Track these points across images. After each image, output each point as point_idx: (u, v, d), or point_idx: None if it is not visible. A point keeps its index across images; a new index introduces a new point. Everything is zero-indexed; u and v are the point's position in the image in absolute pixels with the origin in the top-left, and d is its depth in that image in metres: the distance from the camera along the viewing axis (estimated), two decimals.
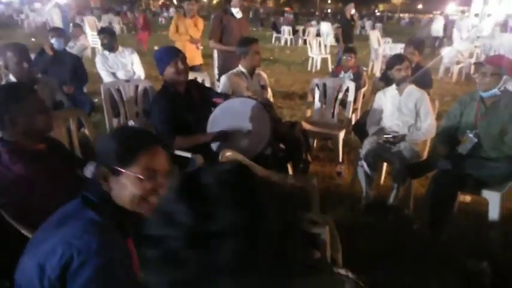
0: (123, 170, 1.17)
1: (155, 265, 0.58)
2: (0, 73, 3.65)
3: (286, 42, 15.12)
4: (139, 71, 4.51)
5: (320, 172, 3.94)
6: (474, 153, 2.81)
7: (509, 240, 2.79)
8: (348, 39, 7.99)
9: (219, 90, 3.57)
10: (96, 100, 4.81)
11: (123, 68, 4.40)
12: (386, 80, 4.00)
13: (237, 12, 4.65)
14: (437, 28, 12.77)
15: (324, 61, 9.89)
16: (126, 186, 1.17)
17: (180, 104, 2.77)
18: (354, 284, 1.91)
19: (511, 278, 2.51)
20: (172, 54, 2.79)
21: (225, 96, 3.09)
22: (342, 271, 1.97)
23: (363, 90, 4.77)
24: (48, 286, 1.07)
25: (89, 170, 1.28)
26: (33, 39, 6.61)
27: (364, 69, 8.59)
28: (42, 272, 1.07)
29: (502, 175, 2.70)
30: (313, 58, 9.85)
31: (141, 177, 1.16)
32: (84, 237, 1.07)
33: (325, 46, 10.77)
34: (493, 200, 2.73)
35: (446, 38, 12.68)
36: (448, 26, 13.08)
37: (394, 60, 3.35)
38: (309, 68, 9.80)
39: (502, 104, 2.77)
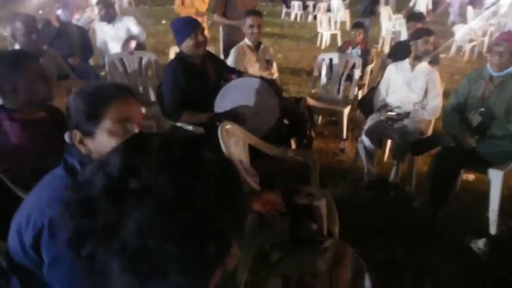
0: (95, 129, 1.13)
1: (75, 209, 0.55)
2: (7, 43, 3.65)
3: (296, 17, 14.85)
4: (137, 31, 4.45)
5: (324, 148, 3.94)
6: (479, 131, 2.78)
7: (510, 218, 2.78)
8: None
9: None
10: (102, 73, 4.81)
11: (119, 41, 4.36)
12: (394, 57, 3.95)
13: None
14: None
15: (334, 37, 9.71)
16: (103, 144, 1.12)
17: (194, 77, 2.73)
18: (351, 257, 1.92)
19: (509, 256, 2.53)
20: (193, 26, 2.70)
21: (238, 72, 3.07)
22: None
23: (370, 66, 4.71)
24: (26, 254, 1.05)
25: (67, 136, 1.27)
26: (40, 12, 6.57)
27: (375, 46, 8.48)
28: (21, 239, 1.05)
29: (506, 153, 2.68)
30: (322, 34, 9.68)
31: (114, 130, 1.13)
32: (56, 206, 1.02)
33: (335, 22, 10.57)
34: (495, 178, 2.71)
35: (461, 15, 12.34)
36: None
37: (423, 32, 3.26)
38: (317, 44, 9.65)
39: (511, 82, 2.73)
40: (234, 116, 2.60)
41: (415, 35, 3.26)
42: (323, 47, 9.46)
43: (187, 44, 2.69)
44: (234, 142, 2.24)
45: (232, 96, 2.71)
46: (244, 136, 2.36)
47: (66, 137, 1.25)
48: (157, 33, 9.00)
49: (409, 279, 2.33)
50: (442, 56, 7.91)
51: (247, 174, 2.01)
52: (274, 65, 3.71)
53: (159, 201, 0.52)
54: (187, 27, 2.70)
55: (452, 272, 2.38)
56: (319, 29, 9.79)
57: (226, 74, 3.01)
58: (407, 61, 3.25)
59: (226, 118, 2.52)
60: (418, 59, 3.18)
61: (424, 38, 3.13)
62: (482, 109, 2.78)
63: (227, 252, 0.59)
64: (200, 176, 0.56)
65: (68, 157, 1.17)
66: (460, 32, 9.04)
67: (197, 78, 2.75)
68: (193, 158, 0.57)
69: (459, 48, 8.94)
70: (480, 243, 2.56)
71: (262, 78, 3.00)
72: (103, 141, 1.13)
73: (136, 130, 1.15)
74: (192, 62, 2.76)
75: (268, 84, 2.86)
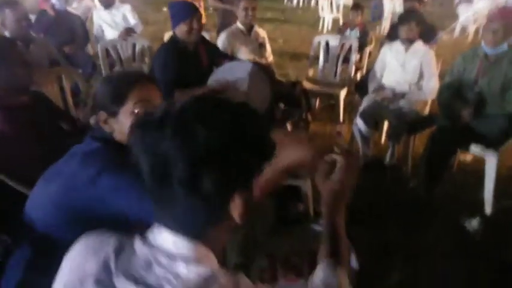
0: (118, 110, 1.25)
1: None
2: None
3: (298, 2, 14.68)
4: (133, 23, 4.44)
5: (321, 132, 3.92)
6: (474, 109, 2.74)
7: (505, 198, 2.76)
8: None
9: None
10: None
11: (116, 27, 4.34)
12: (391, 37, 3.90)
13: None
14: None
15: (336, 21, 9.59)
16: (125, 124, 1.24)
17: (186, 61, 2.71)
18: None
19: (502, 235, 2.51)
20: (189, 12, 2.67)
21: (231, 57, 3.05)
22: None
23: (368, 48, 4.65)
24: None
25: (92, 118, 1.39)
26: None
27: (376, 27, 8.36)
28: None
29: (501, 132, 2.64)
30: (324, 18, 9.57)
31: (136, 111, 1.24)
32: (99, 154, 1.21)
33: (338, 6, 10.42)
34: (490, 158, 2.68)
35: None
36: None
37: (404, 18, 3.22)
38: (319, 29, 9.54)
39: (507, 60, 2.68)
40: (223, 87, 2.56)
41: (401, 19, 3.22)
42: (325, 31, 9.35)
43: (181, 29, 2.67)
44: None
45: (223, 79, 2.70)
46: None
47: (92, 120, 1.31)
48: (157, 22, 8.96)
49: (403, 259, 2.33)
50: (446, 37, 7.82)
51: None
52: (268, 48, 3.67)
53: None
54: (184, 11, 2.67)
55: (445, 250, 2.38)
56: (320, 13, 9.67)
57: (218, 59, 2.99)
58: (400, 42, 3.21)
59: (215, 89, 2.51)
60: (408, 41, 3.13)
61: (407, 24, 3.09)
62: (477, 87, 2.74)
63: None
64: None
65: (91, 133, 1.30)
66: (465, 12, 8.88)
67: (189, 62, 2.73)
68: None
69: (463, 29, 8.79)
70: (474, 223, 2.55)
71: (254, 62, 2.97)
72: (125, 121, 1.25)
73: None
74: (184, 46, 2.74)
75: (260, 68, 2.83)
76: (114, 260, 0.66)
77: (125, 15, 4.42)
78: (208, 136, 0.60)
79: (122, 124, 1.26)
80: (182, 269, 0.63)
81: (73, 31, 4.32)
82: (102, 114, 1.28)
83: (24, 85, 1.79)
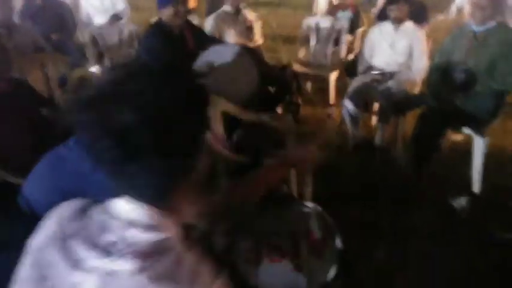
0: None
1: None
2: None
3: None
4: (122, 8, 4.39)
5: (312, 115, 3.91)
6: (462, 89, 2.72)
7: (493, 176, 2.76)
8: None
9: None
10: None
11: (104, 11, 4.30)
12: (381, 17, 3.86)
13: None
14: None
15: (331, 3, 9.50)
16: None
17: (171, 45, 2.70)
18: (319, 216, 1.94)
19: (489, 212, 2.52)
20: None
21: (217, 41, 3.03)
22: (310, 205, 2.00)
23: (360, 30, 4.61)
24: None
25: None
26: None
27: (372, 9, 8.27)
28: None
29: (488, 111, 2.63)
30: (317, 0, 9.47)
31: None
32: None
33: None
34: (477, 136, 2.68)
35: None
36: None
37: None
38: (314, 11, 9.45)
39: (495, 38, 2.64)
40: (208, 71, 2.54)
41: (387, 1, 3.18)
42: (319, 14, 9.26)
43: (167, 12, 2.66)
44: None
45: (208, 62, 2.68)
46: (214, 100, 2.34)
47: None
48: (148, 8, 8.87)
49: (392, 238, 2.35)
50: (441, 18, 7.74)
51: (215, 139, 2.01)
52: (257, 31, 3.64)
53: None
54: None
55: (434, 229, 2.40)
56: None
57: (205, 42, 2.96)
58: (389, 22, 3.17)
59: (200, 73, 2.47)
60: (397, 21, 3.10)
61: (396, 4, 3.06)
62: (467, 66, 2.72)
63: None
64: None
65: None
66: None
67: (175, 46, 2.72)
68: None
69: (459, 9, 8.69)
70: (462, 201, 2.56)
71: (241, 45, 2.94)
72: None
73: None
74: (170, 30, 2.73)
75: (246, 51, 2.81)
76: (71, 221, 0.70)
77: (114, 0, 4.37)
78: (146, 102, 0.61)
79: None
80: (134, 234, 0.64)
81: (61, 18, 4.28)
82: None
83: (2, 71, 1.78)
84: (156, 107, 0.62)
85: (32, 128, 1.78)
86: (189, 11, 2.78)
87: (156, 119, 0.61)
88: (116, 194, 0.69)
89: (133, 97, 0.61)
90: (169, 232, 0.68)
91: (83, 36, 3.98)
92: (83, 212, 0.71)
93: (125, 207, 0.67)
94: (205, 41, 2.98)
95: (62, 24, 4.25)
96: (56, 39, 3.85)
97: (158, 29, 2.73)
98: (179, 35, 2.78)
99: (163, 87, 0.64)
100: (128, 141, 0.60)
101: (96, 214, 0.70)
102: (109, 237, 0.65)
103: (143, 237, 0.64)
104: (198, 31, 3.07)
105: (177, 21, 2.70)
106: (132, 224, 0.65)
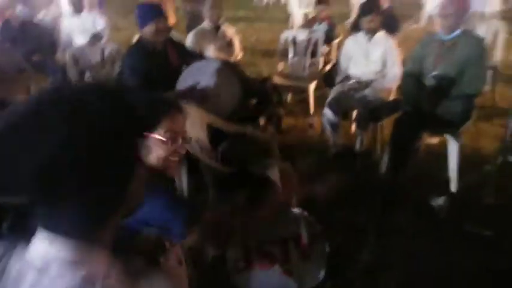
0: (149, 135, 1.29)
1: None
2: None
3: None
4: (101, 26, 4.44)
5: (294, 125, 4.01)
6: (434, 93, 2.85)
7: (467, 177, 2.88)
8: None
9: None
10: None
11: (85, 32, 4.35)
12: (355, 28, 4.01)
13: None
14: None
15: (306, 17, 9.71)
16: (152, 149, 1.30)
17: (154, 62, 2.76)
18: (307, 221, 2.02)
19: (466, 212, 2.63)
20: (155, 11, 2.77)
21: (200, 56, 3.10)
22: (296, 210, 2.08)
23: (336, 41, 4.76)
24: None
25: None
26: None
27: (346, 21, 8.50)
28: None
29: (460, 113, 2.77)
30: (293, 14, 9.68)
31: (164, 139, 1.30)
32: None
33: (307, 1, 10.55)
34: (452, 138, 2.81)
35: None
36: None
37: (365, 10, 3.33)
38: (290, 25, 9.65)
39: (461, 44, 2.79)
40: (190, 92, 2.64)
41: (363, 10, 3.33)
42: (295, 27, 9.46)
43: (149, 29, 2.73)
44: (190, 121, 2.27)
45: (192, 78, 2.75)
46: (201, 115, 2.41)
47: None
48: (126, 27, 8.92)
49: (374, 239, 2.43)
50: (414, 26, 8.01)
51: (203, 151, 2.07)
52: (237, 46, 3.74)
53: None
54: (151, 12, 2.76)
55: (415, 229, 2.49)
56: (290, 9, 9.79)
57: (187, 58, 3.04)
58: (363, 33, 3.31)
59: (183, 95, 2.57)
60: (371, 31, 3.24)
61: (366, 18, 3.20)
62: (437, 72, 2.86)
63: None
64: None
65: None
66: (430, 1, 9.10)
67: (158, 63, 2.78)
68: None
69: (430, 18, 9.01)
70: (440, 201, 2.67)
71: (222, 60, 3.03)
72: (153, 146, 1.31)
73: (181, 141, 1.36)
74: (152, 47, 2.79)
75: (227, 65, 2.89)
76: None
77: (94, 20, 4.43)
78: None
79: (149, 149, 1.30)
80: (47, 284, 0.58)
81: (40, 39, 4.30)
82: None
83: None
84: (74, 140, 0.56)
85: None
86: (169, 28, 2.85)
87: (77, 153, 0.56)
88: (35, 230, 0.62)
89: (47, 131, 0.56)
90: (93, 266, 0.61)
91: (63, 56, 4.02)
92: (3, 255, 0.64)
93: (42, 247, 0.60)
94: (188, 56, 3.06)
95: (42, 45, 4.28)
96: (36, 60, 3.87)
97: (140, 47, 2.79)
98: (162, 51, 2.85)
99: (87, 115, 0.58)
100: (46, 179, 0.55)
101: (13, 262, 0.62)
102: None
103: (58, 284, 0.58)
104: (180, 47, 3.15)
105: (159, 38, 2.77)
106: (46, 270, 0.58)
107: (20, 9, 4.38)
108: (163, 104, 1.38)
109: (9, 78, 2.39)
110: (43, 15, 5.97)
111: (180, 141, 1.35)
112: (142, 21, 2.76)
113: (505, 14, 7.75)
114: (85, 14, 4.45)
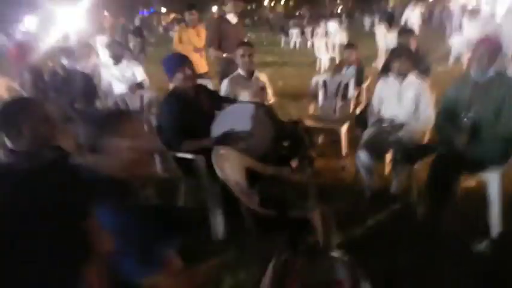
0: (111, 145, 1.36)
1: None
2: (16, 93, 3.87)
3: (295, 45, 15.24)
4: (141, 75, 4.68)
5: (326, 167, 4.02)
6: (470, 135, 2.83)
7: (509, 222, 2.79)
8: None
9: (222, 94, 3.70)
10: None
11: (125, 81, 4.57)
12: (385, 72, 4.08)
13: (232, 18, 4.81)
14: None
15: (332, 61, 9.93)
16: (115, 159, 1.37)
17: (188, 108, 2.90)
18: (348, 264, 2.00)
19: (510, 259, 2.53)
20: (181, 60, 2.97)
21: (231, 100, 3.23)
22: (337, 253, 2.06)
23: (365, 84, 4.83)
24: None
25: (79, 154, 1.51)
26: (49, 62, 6.97)
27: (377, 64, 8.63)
28: None
29: (498, 155, 2.72)
30: (320, 58, 9.92)
31: (125, 145, 1.37)
32: None
33: (333, 45, 10.82)
34: (491, 181, 2.75)
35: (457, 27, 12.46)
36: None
37: (394, 54, 3.42)
38: (317, 68, 9.86)
39: (495, 85, 2.80)
40: (228, 137, 2.73)
41: (393, 54, 3.40)
42: (322, 70, 9.66)
43: (177, 77, 2.91)
44: (230, 165, 2.34)
45: (226, 121, 2.85)
46: (239, 158, 2.47)
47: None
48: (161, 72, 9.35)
49: (414, 286, 2.35)
50: (440, 67, 8.04)
51: (243, 194, 2.11)
52: (269, 91, 3.85)
53: None
54: (176, 62, 2.95)
55: (457, 277, 2.41)
56: (317, 54, 10.04)
57: (220, 103, 3.17)
58: (394, 76, 3.37)
59: (221, 140, 2.66)
60: (402, 74, 3.29)
61: (395, 61, 3.27)
62: (471, 113, 2.85)
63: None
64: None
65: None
66: (456, 43, 9.18)
67: (191, 109, 2.93)
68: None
69: (457, 59, 9.05)
70: (482, 246, 2.58)
71: (254, 103, 3.13)
72: (114, 152, 1.38)
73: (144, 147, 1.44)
74: (184, 94, 2.95)
75: (260, 107, 2.98)
76: None
77: (134, 70, 4.68)
78: None
79: (109, 157, 1.37)
80: None
81: (82, 88, 4.55)
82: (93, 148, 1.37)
83: (48, 141, 1.93)
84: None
85: None
86: (197, 74, 3.03)
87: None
88: None
89: None
90: None
91: (104, 103, 4.24)
92: None
93: None
94: (220, 101, 3.18)
95: (84, 93, 4.51)
96: (79, 108, 4.08)
97: (173, 96, 2.97)
98: (194, 98, 3.00)
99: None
100: None
101: None
102: None
103: None
104: (211, 92, 3.29)
105: (188, 84, 2.93)
106: None
107: (64, 61, 4.66)
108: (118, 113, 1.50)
109: (57, 127, 2.52)
110: (83, 66, 6.35)
111: (142, 147, 1.41)
112: (170, 72, 2.95)
113: None
114: (124, 63, 4.70)
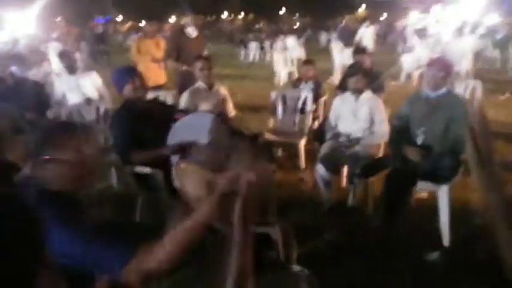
0: (54, 158, 1.31)
1: None
2: None
3: (254, 58, 15.39)
4: (92, 94, 4.54)
5: (285, 180, 4.05)
6: (422, 149, 2.96)
7: (458, 231, 2.93)
8: None
9: (180, 106, 3.66)
10: None
11: (78, 91, 4.43)
12: (343, 88, 4.21)
13: (192, 31, 4.80)
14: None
15: (291, 74, 10.11)
16: (59, 172, 1.32)
17: (139, 121, 2.85)
18: (307, 279, 2.01)
19: (461, 266, 2.65)
20: (129, 72, 2.97)
21: (187, 112, 3.19)
22: (297, 268, 2.07)
23: (323, 99, 4.94)
24: None
25: (26, 167, 1.42)
26: None
27: (333, 79, 8.88)
28: None
29: (448, 168, 2.86)
30: (279, 72, 10.08)
31: (72, 160, 1.32)
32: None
33: (292, 60, 11.02)
34: (441, 193, 2.88)
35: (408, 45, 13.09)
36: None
37: (351, 72, 3.54)
38: (276, 82, 10.00)
39: (446, 103, 2.96)
40: (184, 147, 2.68)
41: (349, 72, 3.53)
42: (281, 84, 9.80)
43: (127, 89, 2.90)
44: (190, 180, 2.30)
45: (182, 132, 2.80)
46: (200, 173, 2.43)
47: (26, 168, 1.39)
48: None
49: None
50: (393, 83, 8.40)
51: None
52: (230, 104, 3.85)
53: None
54: (125, 74, 2.96)
55: (410, 285, 2.49)
56: (275, 68, 10.19)
57: (174, 115, 3.12)
58: (350, 93, 3.48)
59: (177, 150, 2.62)
60: (357, 91, 3.41)
61: (352, 79, 3.40)
62: (423, 128, 2.99)
63: None
64: None
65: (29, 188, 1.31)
66: (408, 60, 9.64)
67: (143, 121, 2.87)
68: None
69: (408, 75, 9.49)
70: (434, 255, 2.69)
71: (212, 113, 3.11)
72: (60, 169, 1.33)
73: (93, 162, 1.39)
74: (136, 106, 2.92)
75: (218, 118, 2.97)
76: None
77: (89, 80, 4.53)
78: None
79: (56, 172, 1.33)
80: None
81: (33, 97, 4.34)
82: (35, 161, 1.33)
83: None
84: None
85: None
86: (146, 85, 3.07)
87: None
88: None
89: None
90: None
91: (56, 114, 4.06)
92: None
93: None
94: (174, 113, 3.14)
95: (35, 103, 4.31)
96: (30, 118, 3.89)
97: (124, 108, 2.96)
98: (146, 110, 2.96)
99: None
100: None
101: None
102: None
103: None
104: (164, 105, 3.28)
105: (138, 94, 2.93)
106: None
107: (14, 68, 4.45)
108: (67, 126, 1.44)
109: (9, 140, 2.39)
110: (34, 73, 6.09)
111: (90, 162, 1.37)
112: (119, 85, 2.94)
113: (477, 72, 8.25)
114: (79, 74, 4.55)
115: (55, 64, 9.41)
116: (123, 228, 1.62)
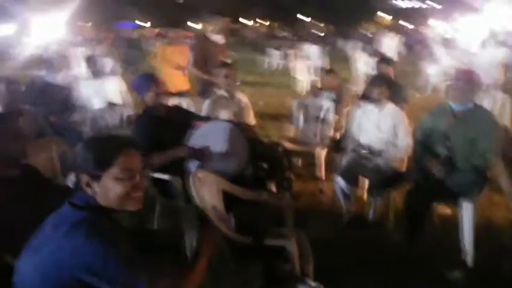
0: (102, 174, 1.30)
1: None
2: None
3: (277, 66, 15.40)
4: (117, 99, 4.62)
5: (304, 190, 4.01)
6: (446, 164, 2.88)
7: (484, 248, 2.83)
8: None
9: (202, 113, 3.68)
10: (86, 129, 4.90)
11: (102, 96, 4.50)
12: (365, 98, 4.15)
13: (218, 38, 4.83)
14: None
15: (313, 83, 10.06)
16: (109, 188, 1.31)
17: (160, 126, 2.92)
18: None
19: (485, 285, 2.56)
20: (150, 79, 3.04)
21: (206, 119, 3.21)
22: (313, 284, 2.04)
23: (346, 109, 4.88)
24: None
25: (70, 181, 1.43)
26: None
27: (355, 89, 8.78)
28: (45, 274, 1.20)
29: (473, 185, 2.77)
30: (301, 81, 10.05)
31: (120, 176, 1.31)
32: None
33: (315, 69, 10.97)
34: (465, 210, 2.79)
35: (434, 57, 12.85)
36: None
37: (373, 82, 3.48)
38: (298, 90, 9.97)
39: (473, 117, 2.87)
40: (203, 153, 2.73)
41: (372, 82, 3.47)
42: (303, 92, 9.77)
43: (148, 96, 2.96)
44: (207, 189, 2.31)
45: (201, 139, 2.82)
46: (217, 182, 2.44)
47: (70, 182, 1.39)
48: None
49: None
50: (418, 95, 8.25)
51: (219, 220, 2.07)
52: (251, 112, 3.85)
53: None
54: (145, 81, 3.02)
55: None
56: (298, 76, 10.18)
57: (193, 121, 3.14)
58: (373, 103, 3.42)
59: (196, 153, 2.70)
60: (380, 102, 3.35)
61: (379, 87, 3.34)
62: (447, 142, 2.91)
63: None
64: None
65: (72, 200, 1.33)
66: (433, 72, 9.45)
67: (163, 126, 2.93)
68: None
69: (435, 88, 9.30)
70: (456, 274, 2.60)
71: (231, 122, 3.12)
72: (109, 185, 1.31)
73: (138, 177, 1.36)
74: (157, 112, 2.99)
75: (236, 126, 2.97)
76: None
77: (115, 84, 4.62)
78: None
79: (105, 188, 1.31)
80: None
81: (59, 101, 4.44)
82: (84, 177, 1.32)
83: (15, 158, 1.85)
84: None
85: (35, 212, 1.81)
86: (167, 91, 3.20)
87: None
88: None
89: None
90: None
91: (80, 118, 4.15)
92: None
93: None
94: (194, 119, 3.16)
95: (61, 106, 4.40)
96: (54, 122, 3.97)
97: (146, 114, 3.04)
98: (166, 116, 3.03)
99: None
100: None
101: None
102: None
103: None
104: (184, 111, 3.32)
105: (160, 100, 3.00)
106: None
107: (44, 72, 4.57)
108: (114, 141, 1.41)
109: (33, 143, 2.44)
110: (62, 77, 6.23)
111: (138, 177, 1.35)
112: (141, 91, 3.01)
113: (506, 86, 8.02)
114: (104, 79, 4.64)
115: (82, 68, 9.69)
116: (147, 245, 1.62)
